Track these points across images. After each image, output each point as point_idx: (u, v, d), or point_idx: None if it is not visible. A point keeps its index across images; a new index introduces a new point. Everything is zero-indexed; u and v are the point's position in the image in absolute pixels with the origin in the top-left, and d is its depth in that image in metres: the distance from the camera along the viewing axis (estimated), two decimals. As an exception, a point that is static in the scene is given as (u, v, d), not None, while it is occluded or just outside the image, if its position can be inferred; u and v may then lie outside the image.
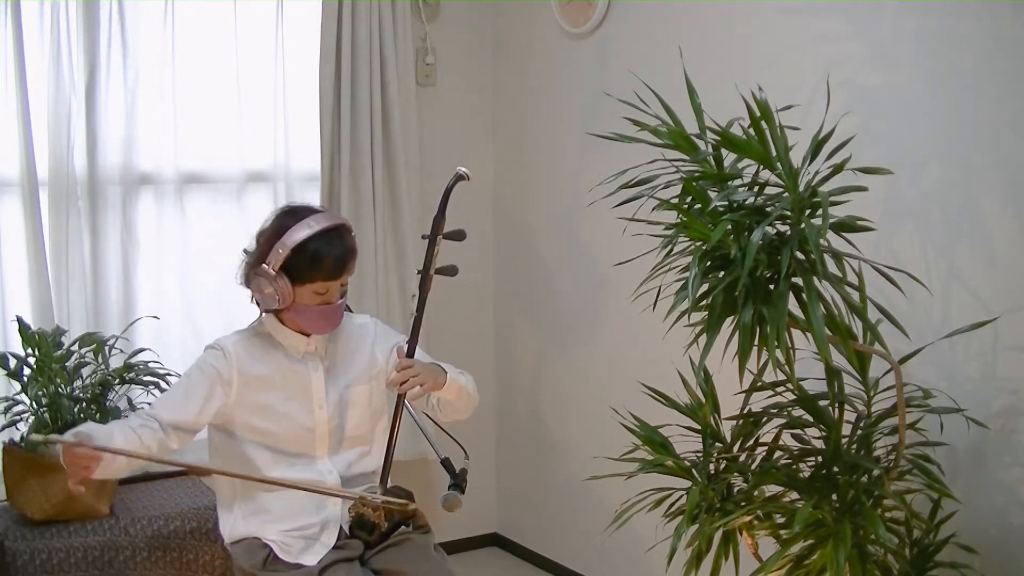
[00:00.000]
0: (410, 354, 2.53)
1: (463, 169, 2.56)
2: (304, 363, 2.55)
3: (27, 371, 2.93)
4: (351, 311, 2.98)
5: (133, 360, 3.10)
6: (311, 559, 2.45)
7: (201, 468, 2.72)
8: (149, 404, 2.50)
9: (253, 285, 2.49)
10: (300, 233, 2.43)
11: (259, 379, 2.50)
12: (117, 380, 3.01)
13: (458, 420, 2.64)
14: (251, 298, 2.55)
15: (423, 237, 2.57)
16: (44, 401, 2.90)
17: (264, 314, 2.57)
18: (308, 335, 2.56)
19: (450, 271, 2.59)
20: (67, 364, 2.94)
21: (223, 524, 2.58)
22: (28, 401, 2.92)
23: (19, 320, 2.99)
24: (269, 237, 2.47)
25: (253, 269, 2.48)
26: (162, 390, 3.04)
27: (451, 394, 2.55)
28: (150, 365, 3.09)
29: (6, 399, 2.95)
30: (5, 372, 2.93)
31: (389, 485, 2.55)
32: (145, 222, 3.43)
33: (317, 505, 2.51)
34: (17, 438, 2.95)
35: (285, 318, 2.54)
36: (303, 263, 2.43)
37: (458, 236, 2.58)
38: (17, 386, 2.95)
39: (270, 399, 2.51)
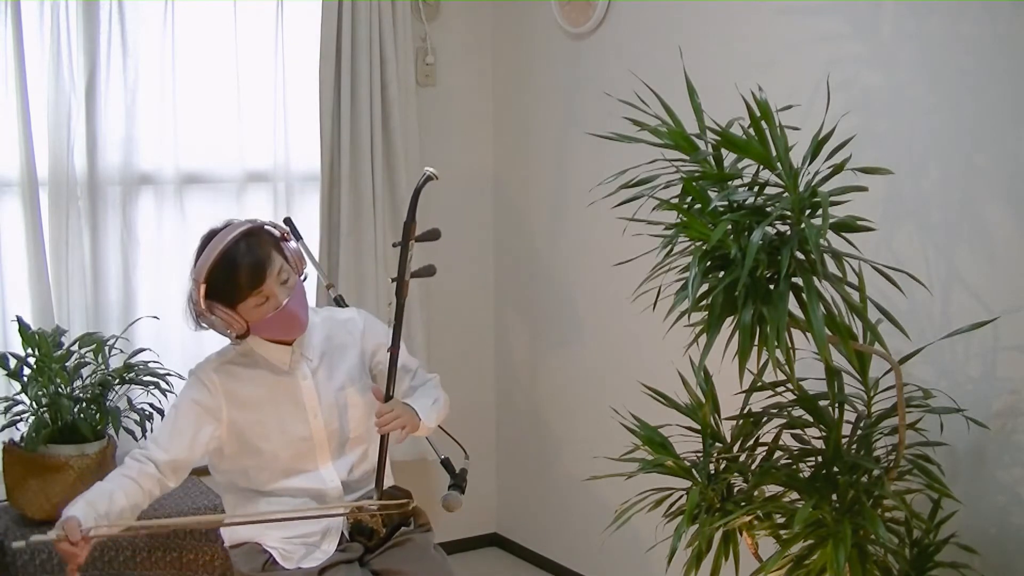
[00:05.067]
0: (393, 360, 2.47)
1: (430, 169, 2.48)
2: (291, 373, 2.49)
3: (27, 371, 2.93)
4: (345, 305, 2.97)
5: (133, 360, 3.11)
6: (311, 565, 2.45)
7: (209, 520, 2.52)
8: (142, 444, 2.45)
9: (206, 324, 2.43)
10: (205, 263, 2.37)
11: (248, 399, 2.45)
12: (117, 380, 3.01)
13: None
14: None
15: (394, 245, 2.50)
16: (44, 401, 2.90)
17: (249, 341, 2.49)
18: (289, 343, 2.49)
19: (427, 272, 2.53)
20: (67, 364, 2.94)
21: (223, 527, 2.57)
22: (28, 401, 2.92)
23: (19, 320, 2.99)
24: (192, 275, 2.42)
25: (195, 318, 2.43)
26: (162, 390, 3.05)
27: (424, 432, 2.53)
28: (150, 365, 3.09)
29: (6, 399, 2.95)
30: (5, 372, 2.93)
31: (386, 486, 2.54)
32: (145, 222, 3.43)
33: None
34: (17, 438, 2.95)
35: (259, 334, 2.47)
36: (222, 289, 2.36)
37: (432, 236, 2.51)
38: (17, 386, 2.95)
39: (262, 416, 2.46)
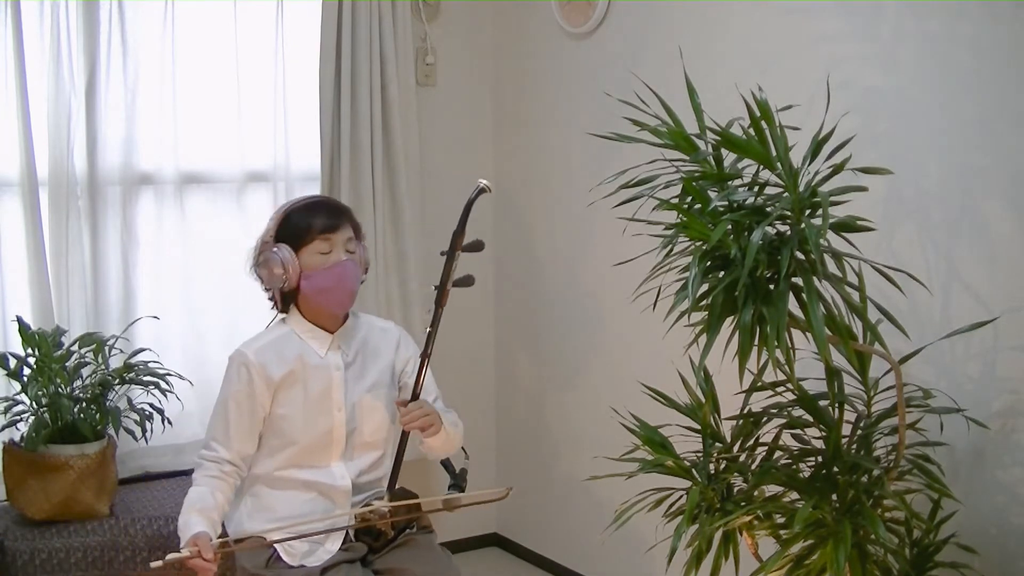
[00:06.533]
0: (423, 364, 2.54)
1: (484, 181, 2.55)
2: (326, 362, 2.54)
3: (27, 371, 2.93)
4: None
5: (133, 360, 3.11)
6: (314, 563, 2.46)
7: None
8: (209, 447, 2.53)
9: (263, 274, 2.52)
10: (290, 204, 2.57)
11: (282, 380, 2.51)
12: (117, 380, 3.01)
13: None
14: (267, 295, 2.58)
15: (441, 253, 2.56)
16: (44, 401, 2.90)
17: (287, 312, 2.59)
18: (331, 331, 2.55)
19: (466, 282, 2.59)
20: (67, 364, 2.94)
21: (228, 519, 2.58)
22: (28, 401, 2.92)
23: (19, 320, 2.99)
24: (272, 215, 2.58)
25: (256, 254, 2.53)
26: (162, 390, 3.04)
27: (438, 441, 2.55)
28: (150, 365, 3.09)
29: (6, 399, 2.95)
30: (5, 372, 2.93)
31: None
32: (145, 222, 3.43)
33: (324, 511, 2.52)
34: (17, 438, 2.95)
35: (305, 310, 2.55)
36: (296, 221, 2.50)
37: (477, 247, 2.57)
38: (17, 386, 2.95)
39: (292, 397, 2.51)
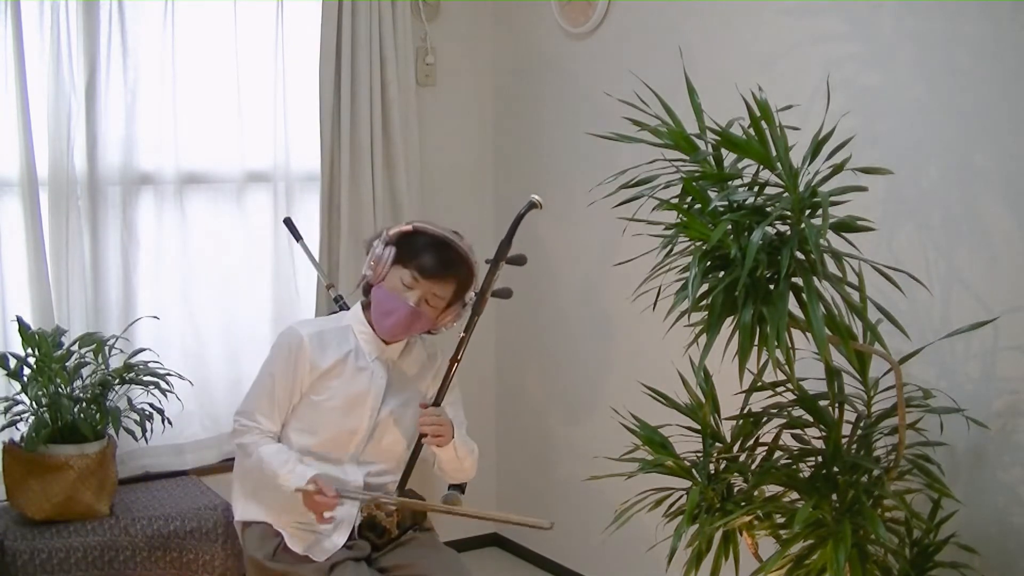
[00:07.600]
0: (452, 370, 2.58)
1: (536, 197, 2.59)
2: (371, 367, 2.58)
3: (27, 371, 2.93)
4: (347, 306, 3.01)
5: (133, 360, 3.10)
6: (319, 555, 2.48)
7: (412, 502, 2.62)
8: (251, 418, 2.56)
9: (370, 258, 2.56)
10: (432, 225, 2.56)
11: (326, 370, 2.54)
12: (117, 380, 3.01)
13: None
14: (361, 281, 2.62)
15: (486, 261, 2.59)
16: (44, 401, 2.90)
17: (352, 307, 2.64)
18: (387, 342, 2.59)
19: (504, 294, 2.63)
20: (67, 364, 2.94)
21: (236, 500, 2.59)
22: (28, 401, 2.92)
23: (19, 320, 2.98)
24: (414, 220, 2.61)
25: (374, 237, 2.58)
26: (162, 390, 3.04)
27: (445, 455, 2.57)
28: (150, 365, 3.09)
29: (6, 399, 2.95)
30: (5, 372, 2.93)
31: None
32: (145, 222, 3.43)
33: None
34: (17, 438, 2.95)
35: (371, 314, 2.58)
36: (415, 243, 2.52)
37: (520, 261, 2.61)
38: (17, 386, 2.94)
39: (330, 388, 2.54)
